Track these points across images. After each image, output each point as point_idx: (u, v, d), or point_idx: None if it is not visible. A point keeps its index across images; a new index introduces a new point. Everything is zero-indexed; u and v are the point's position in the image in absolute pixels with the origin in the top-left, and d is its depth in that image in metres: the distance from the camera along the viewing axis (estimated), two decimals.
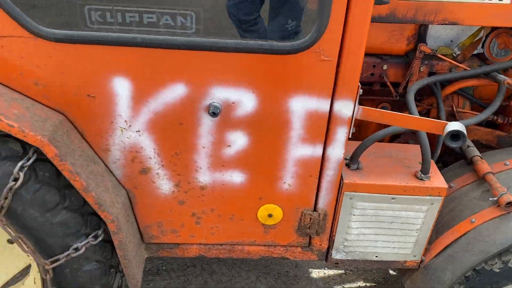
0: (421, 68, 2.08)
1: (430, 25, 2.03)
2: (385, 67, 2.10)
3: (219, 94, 1.53)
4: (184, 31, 1.44)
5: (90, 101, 1.54)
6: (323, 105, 1.56)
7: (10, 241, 1.85)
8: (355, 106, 1.57)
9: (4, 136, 1.46)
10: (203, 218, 1.83)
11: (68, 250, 1.59)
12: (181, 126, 1.60)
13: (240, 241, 1.91)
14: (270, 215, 1.82)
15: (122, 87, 1.52)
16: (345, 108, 1.57)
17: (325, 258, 1.97)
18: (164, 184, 1.74)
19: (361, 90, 1.57)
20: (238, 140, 1.64)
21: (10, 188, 1.45)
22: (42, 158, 1.49)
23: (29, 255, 1.62)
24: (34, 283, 1.76)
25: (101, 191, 1.58)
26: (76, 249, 1.60)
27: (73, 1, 1.40)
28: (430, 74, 2.14)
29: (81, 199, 1.58)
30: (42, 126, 1.45)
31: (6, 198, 1.46)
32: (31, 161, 1.47)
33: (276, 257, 1.96)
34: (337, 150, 1.66)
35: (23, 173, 1.45)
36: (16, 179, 1.45)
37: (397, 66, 2.12)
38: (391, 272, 2.63)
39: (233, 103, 1.55)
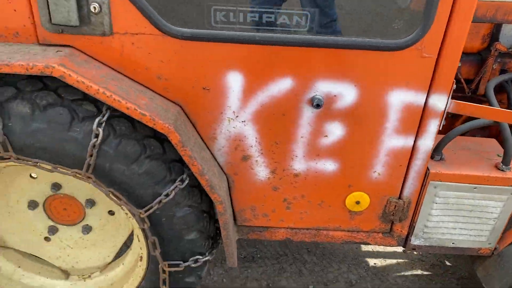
0: (494, 65, 2.17)
1: (504, 24, 2.12)
2: (459, 64, 2.20)
3: (322, 87, 1.66)
4: (298, 30, 1.57)
5: (204, 93, 1.69)
6: (419, 98, 1.68)
7: (111, 213, 2.03)
8: (448, 100, 1.68)
9: (78, 100, 1.58)
10: (294, 204, 1.96)
11: (159, 196, 1.68)
12: (284, 117, 1.74)
13: (326, 226, 2.04)
14: (357, 202, 1.94)
15: (235, 81, 1.66)
16: (440, 101, 1.68)
17: (404, 244, 2.09)
18: (261, 171, 1.88)
19: (454, 85, 1.68)
20: (335, 131, 1.76)
21: (93, 145, 1.56)
22: (115, 115, 1.60)
23: (124, 208, 1.74)
24: (138, 240, 1.90)
25: (211, 175, 1.73)
26: (166, 195, 1.68)
27: (201, 3, 1.55)
28: (502, 71, 2.23)
29: (160, 147, 1.69)
30: (165, 115, 1.61)
31: (91, 156, 1.57)
32: (106, 117, 1.57)
33: (357, 242, 2.09)
34: (428, 142, 1.78)
35: (101, 128, 1.55)
36: (96, 135, 1.56)
37: (470, 64, 2.21)
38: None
39: (335, 96, 1.68)
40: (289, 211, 1.99)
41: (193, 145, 1.67)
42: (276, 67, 1.63)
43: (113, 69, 1.63)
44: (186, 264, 1.81)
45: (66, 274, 2.14)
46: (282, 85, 1.67)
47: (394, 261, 2.78)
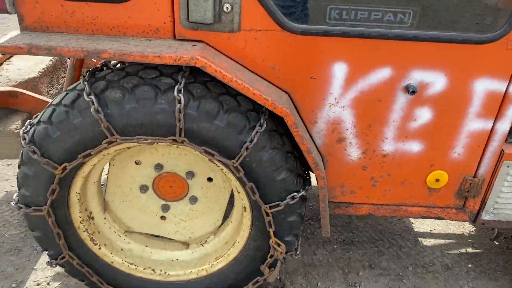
0: None
1: None
2: None
3: (417, 76, 1.90)
4: (401, 25, 1.81)
5: (311, 82, 1.93)
6: (500, 86, 1.91)
7: (209, 180, 2.25)
8: None
9: (156, 77, 1.83)
10: (380, 182, 2.20)
11: (245, 143, 1.84)
12: (379, 103, 1.98)
13: (406, 202, 2.28)
14: (437, 180, 2.17)
15: (339, 71, 1.90)
16: None
17: (475, 219, 2.32)
18: (353, 152, 2.12)
19: None
20: (423, 115, 2.00)
21: (179, 110, 1.74)
22: (190, 82, 1.83)
23: (218, 163, 1.93)
24: (238, 192, 2.09)
25: (315, 154, 1.98)
26: (251, 141, 1.83)
27: (319, 2, 1.79)
28: None
29: (235, 101, 1.86)
30: (281, 100, 1.85)
31: (179, 120, 1.76)
32: (182, 84, 1.76)
33: (432, 217, 2.32)
34: (505, 125, 2.01)
35: (181, 94, 1.75)
36: (179, 101, 1.75)
37: None
38: None
39: (427, 83, 1.92)
40: (374, 189, 2.22)
41: (300, 127, 1.91)
42: (377, 58, 1.87)
43: (235, 61, 1.89)
44: (285, 202, 1.99)
45: (186, 244, 2.40)
46: (381, 74, 1.91)
47: (483, 247, 3.01)
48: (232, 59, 1.88)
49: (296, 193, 2.00)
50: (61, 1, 1.77)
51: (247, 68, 1.90)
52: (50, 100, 2.58)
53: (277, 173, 1.94)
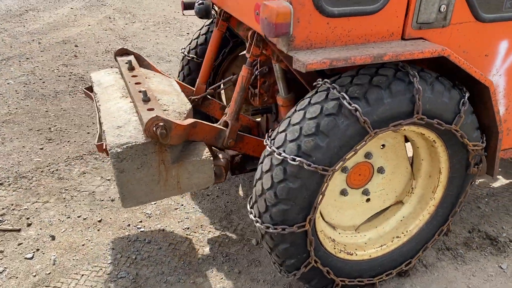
0: None
1: None
2: None
3: None
4: None
5: (485, 59, 2.52)
6: None
7: (382, 146, 2.63)
8: None
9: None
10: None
11: (460, 111, 2.27)
12: None
13: None
14: None
15: (503, 47, 2.52)
16: None
17: None
18: (500, 109, 2.75)
19: None
20: None
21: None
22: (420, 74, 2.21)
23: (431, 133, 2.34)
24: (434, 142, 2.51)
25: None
26: (464, 107, 2.30)
27: None
28: None
29: (444, 80, 2.27)
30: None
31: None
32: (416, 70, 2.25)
33: None
34: None
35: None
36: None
37: None
38: None
39: None
40: (507, 137, 2.89)
41: None
42: None
43: None
44: (481, 141, 2.48)
45: (400, 203, 2.84)
46: None
47: None
48: None
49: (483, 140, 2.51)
50: (327, 19, 2.05)
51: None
52: (220, 127, 2.65)
53: (474, 128, 2.45)
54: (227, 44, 3.39)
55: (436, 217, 2.73)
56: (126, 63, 2.99)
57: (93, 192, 3.62)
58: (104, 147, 2.36)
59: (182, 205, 3.51)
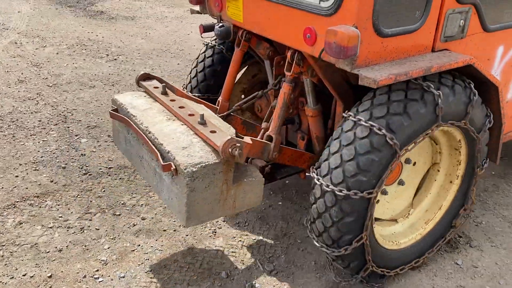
0: None
1: None
2: None
3: None
4: None
5: (487, 62, 2.96)
6: None
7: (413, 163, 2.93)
8: None
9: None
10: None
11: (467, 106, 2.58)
12: None
13: None
14: None
15: (499, 51, 3.00)
16: None
17: None
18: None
19: None
20: None
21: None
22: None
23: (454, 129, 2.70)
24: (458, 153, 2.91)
25: None
26: (472, 103, 2.65)
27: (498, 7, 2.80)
28: None
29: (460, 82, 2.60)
30: None
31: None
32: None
33: None
34: None
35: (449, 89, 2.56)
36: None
37: None
38: None
39: None
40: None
41: None
42: None
43: None
44: (486, 127, 2.83)
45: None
46: None
47: None
48: None
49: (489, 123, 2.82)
50: (382, 39, 2.34)
51: None
52: (266, 142, 2.83)
53: (483, 120, 2.78)
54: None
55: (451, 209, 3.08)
56: (156, 87, 3.12)
57: (35, 244, 3.27)
58: (172, 167, 2.41)
59: (139, 245, 3.30)
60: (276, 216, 3.65)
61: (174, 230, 3.45)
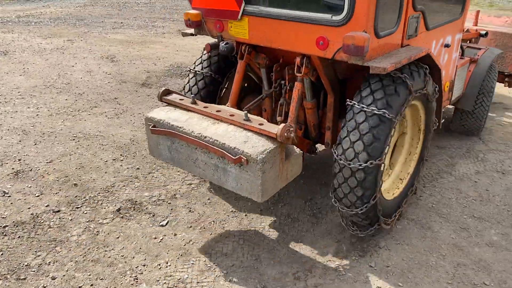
0: None
1: None
2: None
3: (448, 39, 4.26)
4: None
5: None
6: None
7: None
8: None
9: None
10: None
11: (426, 83, 3.47)
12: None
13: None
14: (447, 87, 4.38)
15: (433, 45, 3.98)
16: None
17: None
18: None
19: None
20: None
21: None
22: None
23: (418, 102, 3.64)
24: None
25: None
26: (427, 81, 3.52)
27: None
28: None
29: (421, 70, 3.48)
30: None
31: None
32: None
33: None
34: None
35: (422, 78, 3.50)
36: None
37: None
38: None
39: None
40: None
41: None
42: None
43: None
44: (435, 94, 3.74)
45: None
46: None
47: None
48: None
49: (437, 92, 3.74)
50: (378, 40, 3.11)
51: None
52: None
53: (433, 90, 3.68)
54: (230, 69, 4.23)
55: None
56: (182, 99, 3.54)
57: None
58: (243, 159, 2.92)
59: None
60: (199, 250, 3.61)
61: (91, 285, 3.22)
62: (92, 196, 4.31)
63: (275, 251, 3.59)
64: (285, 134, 2.97)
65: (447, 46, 4.21)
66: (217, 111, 3.32)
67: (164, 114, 3.42)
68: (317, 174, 4.72)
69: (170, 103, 3.57)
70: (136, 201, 4.24)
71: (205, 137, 3.09)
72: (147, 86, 7.52)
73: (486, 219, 4.07)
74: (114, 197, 4.30)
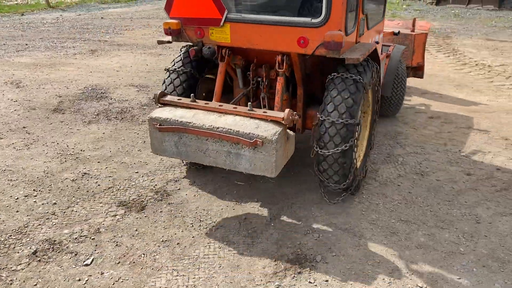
0: None
1: None
2: None
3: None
4: None
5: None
6: None
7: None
8: None
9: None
10: None
11: (372, 76, 4.25)
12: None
13: None
14: None
15: (372, 41, 4.92)
16: None
17: None
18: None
19: None
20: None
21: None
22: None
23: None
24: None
25: None
26: (374, 74, 4.35)
27: None
28: None
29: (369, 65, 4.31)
30: None
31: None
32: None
33: None
34: None
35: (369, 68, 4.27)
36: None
37: None
38: None
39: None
40: None
41: None
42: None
43: None
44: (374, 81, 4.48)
45: None
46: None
47: None
48: None
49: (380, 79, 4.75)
50: (346, 37, 3.77)
51: None
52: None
53: (378, 81, 4.61)
54: (204, 69, 4.66)
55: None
56: (180, 99, 3.94)
57: None
58: (258, 141, 3.41)
59: None
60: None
61: None
62: (2, 240, 3.84)
63: (212, 279, 3.42)
64: (290, 117, 3.57)
65: (377, 43, 5.07)
66: (220, 105, 3.78)
67: (167, 113, 3.73)
68: (251, 193, 4.63)
69: (168, 104, 3.91)
70: (54, 241, 3.84)
71: (218, 128, 3.50)
72: (60, 111, 6.99)
73: (413, 221, 4.23)
74: (28, 239, 3.87)
